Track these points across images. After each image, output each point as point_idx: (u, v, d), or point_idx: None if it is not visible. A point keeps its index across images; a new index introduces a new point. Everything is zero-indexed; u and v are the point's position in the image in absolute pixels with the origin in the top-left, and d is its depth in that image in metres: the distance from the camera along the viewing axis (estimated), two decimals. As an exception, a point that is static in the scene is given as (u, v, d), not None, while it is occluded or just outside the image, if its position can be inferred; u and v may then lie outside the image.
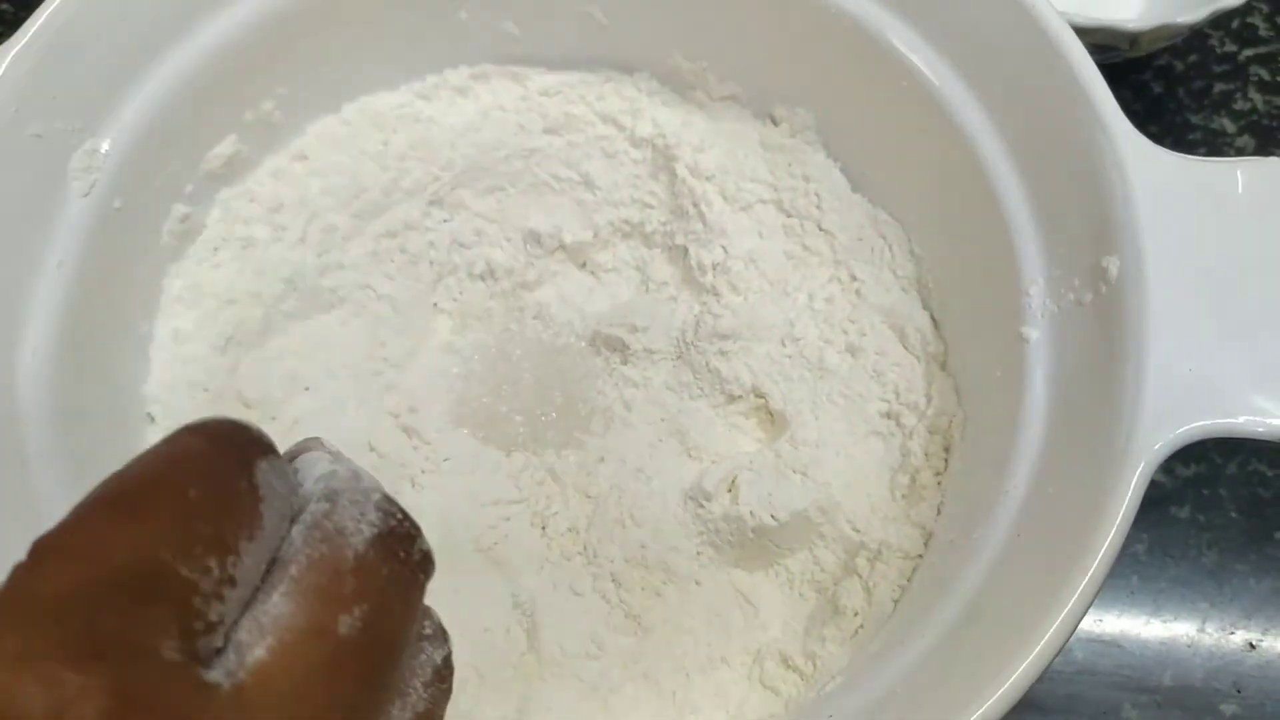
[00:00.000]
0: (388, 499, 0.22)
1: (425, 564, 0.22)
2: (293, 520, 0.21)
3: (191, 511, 0.18)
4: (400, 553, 0.21)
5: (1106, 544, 0.29)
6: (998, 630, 0.30)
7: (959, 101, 0.39)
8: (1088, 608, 0.28)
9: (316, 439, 0.24)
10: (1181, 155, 0.33)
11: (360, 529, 0.20)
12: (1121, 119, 0.33)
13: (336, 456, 0.23)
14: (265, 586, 0.19)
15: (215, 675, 0.18)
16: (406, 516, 0.22)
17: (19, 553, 0.18)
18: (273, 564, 0.20)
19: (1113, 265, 0.32)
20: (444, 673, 0.23)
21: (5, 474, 0.34)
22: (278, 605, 0.19)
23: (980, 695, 0.28)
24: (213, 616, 0.18)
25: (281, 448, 0.34)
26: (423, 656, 0.23)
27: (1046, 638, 0.28)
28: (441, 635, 0.24)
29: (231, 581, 0.18)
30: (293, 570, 0.19)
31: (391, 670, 0.20)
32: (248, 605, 0.19)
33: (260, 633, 0.18)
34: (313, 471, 0.22)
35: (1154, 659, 0.44)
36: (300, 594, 0.19)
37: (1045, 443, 0.33)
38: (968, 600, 0.32)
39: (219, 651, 0.18)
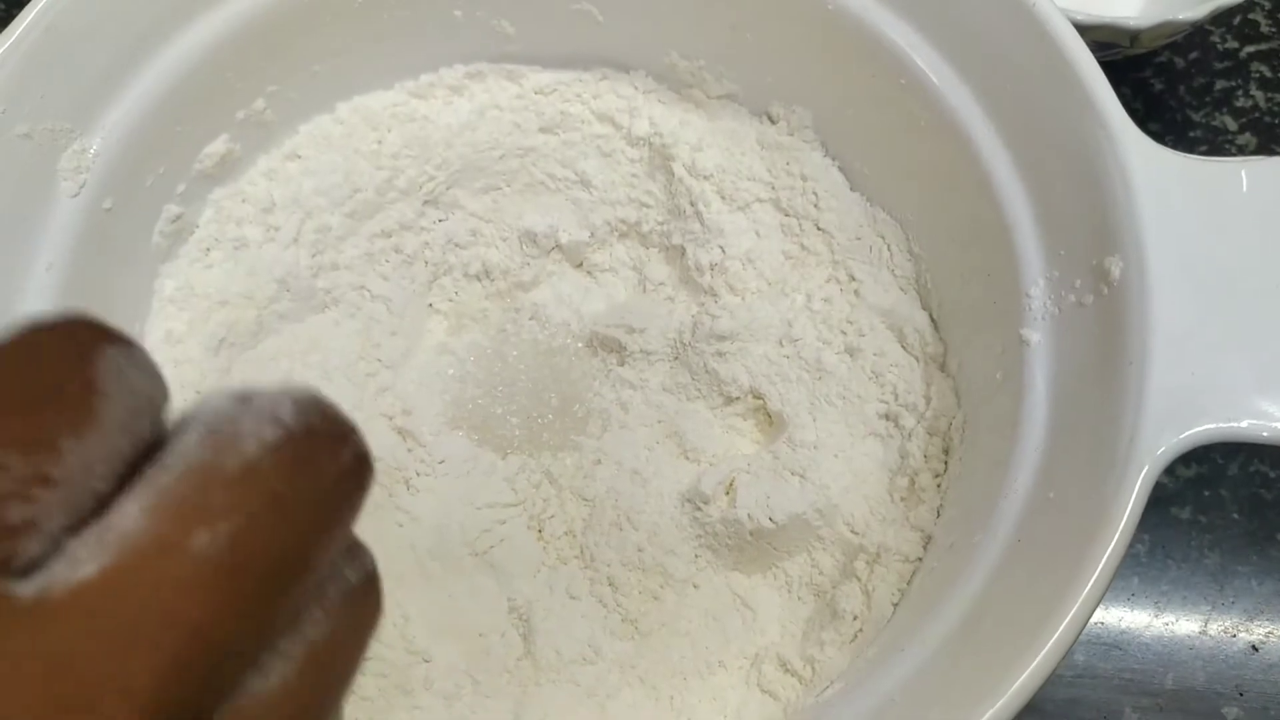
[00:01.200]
0: (314, 396, 0.18)
1: (358, 471, 0.19)
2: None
3: None
4: (318, 458, 0.18)
5: (1110, 549, 0.28)
6: (1000, 636, 0.30)
7: (958, 99, 0.38)
8: (1091, 614, 0.28)
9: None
10: (1185, 154, 0.32)
11: (262, 430, 0.17)
12: (1124, 117, 0.33)
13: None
14: (127, 496, 0.17)
15: (21, 587, 0.15)
16: (337, 416, 0.18)
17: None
18: (146, 469, 0.17)
19: (1115, 266, 0.32)
20: (360, 592, 0.20)
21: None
22: (129, 518, 0.16)
23: (983, 702, 0.27)
24: (13, 519, 0.16)
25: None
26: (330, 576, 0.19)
27: (1050, 644, 0.28)
28: (359, 550, 0.20)
29: (46, 480, 0.16)
30: (163, 479, 0.17)
31: (272, 599, 0.17)
32: (94, 512, 0.17)
33: (100, 548, 0.16)
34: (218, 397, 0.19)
35: (1155, 662, 0.44)
36: (159, 507, 0.16)
37: (1047, 446, 0.33)
38: (969, 605, 0.32)
39: (43, 561, 0.16)
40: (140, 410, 0.18)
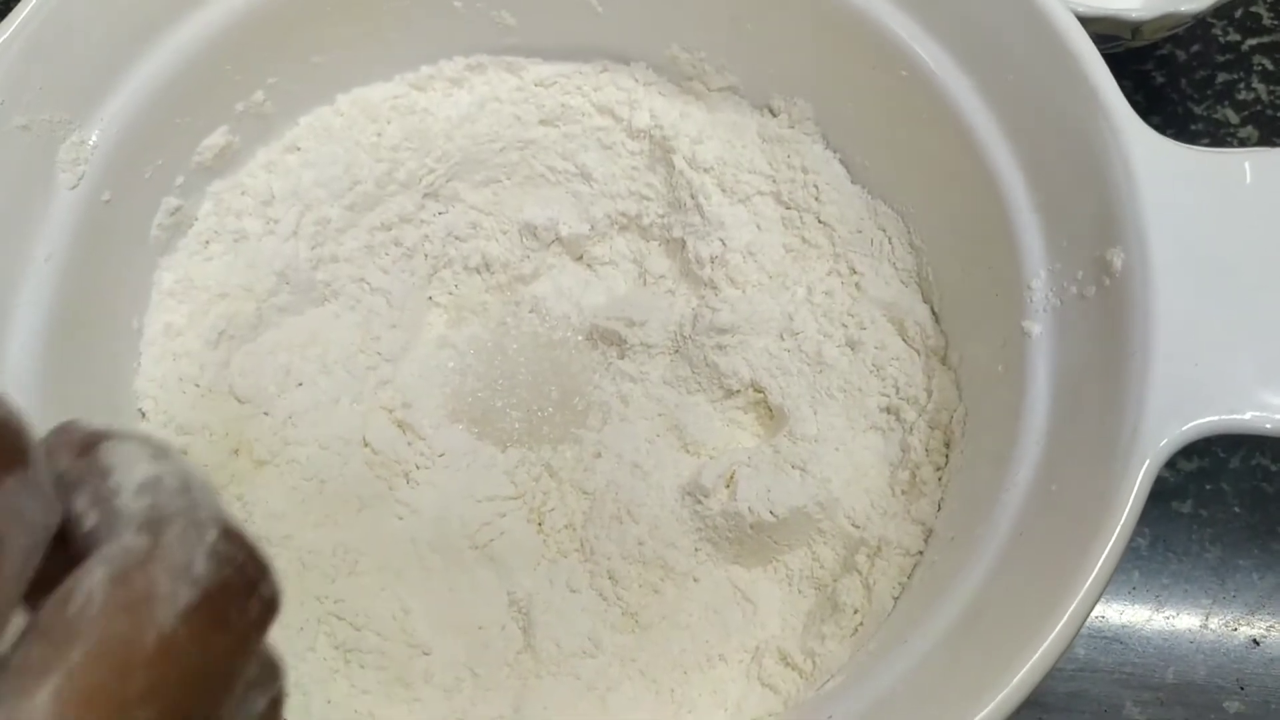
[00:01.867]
0: (226, 535, 0.17)
1: (266, 616, 0.18)
2: (102, 541, 0.17)
3: None
4: (231, 611, 0.17)
5: (1112, 542, 0.28)
6: (1001, 629, 0.30)
7: (960, 91, 0.38)
8: (1093, 607, 0.28)
9: (116, 429, 0.19)
10: (1187, 146, 0.32)
11: (177, 591, 0.16)
12: (1126, 109, 0.33)
13: (158, 452, 0.18)
14: (36, 667, 0.15)
15: None
16: (251, 556, 0.17)
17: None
18: (58, 615, 0.16)
19: (1117, 258, 0.32)
20: (268, 715, 0.19)
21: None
22: (39, 709, 0.15)
23: (984, 695, 0.27)
24: None
25: (278, 445, 0.30)
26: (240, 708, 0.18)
27: (1051, 637, 0.28)
28: (270, 674, 0.19)
29: None
30: (75, 655, 0.15)
31: None
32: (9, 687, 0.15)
33: None
34: (131, 474, 0.17)
35: (1156, 656, 0.44)
36: (70, 697, 0.15)
37: (1048, 439, 0.33)
38: (970, 598, 0.32)
39: None
40: (37, 547, 0.16)
